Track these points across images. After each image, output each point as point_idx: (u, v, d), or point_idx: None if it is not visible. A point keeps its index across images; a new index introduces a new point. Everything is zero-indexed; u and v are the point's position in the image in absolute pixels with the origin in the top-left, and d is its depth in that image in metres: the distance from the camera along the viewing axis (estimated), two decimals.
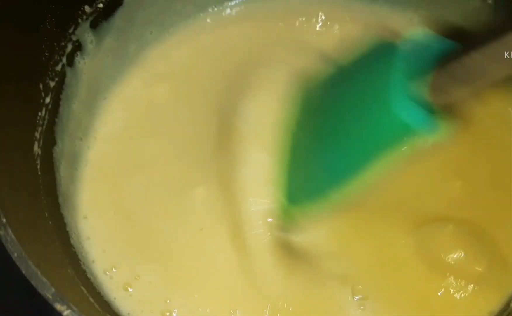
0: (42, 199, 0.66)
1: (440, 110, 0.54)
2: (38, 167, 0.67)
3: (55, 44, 0.70)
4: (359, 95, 0.61)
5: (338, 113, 0.63)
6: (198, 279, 0.68)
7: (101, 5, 0.75)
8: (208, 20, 0.85)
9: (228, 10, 0.86)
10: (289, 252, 0.68)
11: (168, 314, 0.67)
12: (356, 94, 0.62)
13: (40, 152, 0.67)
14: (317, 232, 0.69)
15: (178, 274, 0.69)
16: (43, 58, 0.69)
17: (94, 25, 0.75)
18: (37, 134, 0.67)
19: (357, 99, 0.61)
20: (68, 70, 0.73)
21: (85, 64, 0.76)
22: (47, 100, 0.70)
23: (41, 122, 0.68)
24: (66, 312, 0.51)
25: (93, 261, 0.69)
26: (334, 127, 0.64)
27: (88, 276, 0.67)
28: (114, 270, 0.69)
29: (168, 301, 0.67)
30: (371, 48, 0.62)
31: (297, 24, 0.84)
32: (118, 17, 0.78)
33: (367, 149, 0.59)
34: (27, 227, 0.58)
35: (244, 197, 0.69)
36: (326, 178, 0.64)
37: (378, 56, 0.60)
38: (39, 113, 0.68)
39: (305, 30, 0.84)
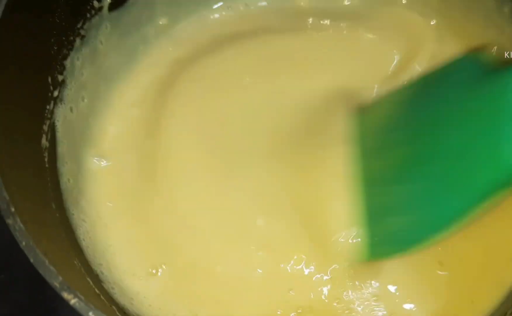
0: (49, 191, 0.67)
1: None
2: (46, 159, 0.67)
3: (63, 38, 0.70)
4: (454, 121, 0.53)
5: (427, 139, 0.55)
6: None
7: (109, 0, 0.75)
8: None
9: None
10: None
11: None
12: (449, 118, 0.54)
13: (48, 145, 0.68)
14: None
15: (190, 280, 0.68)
16: (52, 52, 0.69)
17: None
18: (45, 127, 0.68)
19: (451, 125, 0.53)
20: (76, 64, 0.73)
21: (92, 60, 0.76)
22: (55, 93, 0.70)
23: (49, 116, 0.69)
24: (73, 301, 0.51)
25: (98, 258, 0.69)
26: (423, 158, 0.55)
27: (94, 268, 0.67)
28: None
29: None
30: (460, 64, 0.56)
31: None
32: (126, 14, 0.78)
33: (470, 191, 0.51)
34: (35, 218, 0.58)
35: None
36: (418, 224, 0.57)
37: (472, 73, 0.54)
38: (48, 107, 0.69)
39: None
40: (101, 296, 0.62)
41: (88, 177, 0.73)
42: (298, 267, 0.65)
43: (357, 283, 0.65)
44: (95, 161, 0.74)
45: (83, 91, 0.74)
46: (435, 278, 0.66)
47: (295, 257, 0.65)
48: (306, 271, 0.65)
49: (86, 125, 0.75)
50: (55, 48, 0.69)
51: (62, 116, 0.71)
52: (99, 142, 0.75)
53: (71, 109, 0.73)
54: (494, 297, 0.65)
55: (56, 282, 0.52)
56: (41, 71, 0.68)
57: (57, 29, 0.69)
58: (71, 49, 0.72)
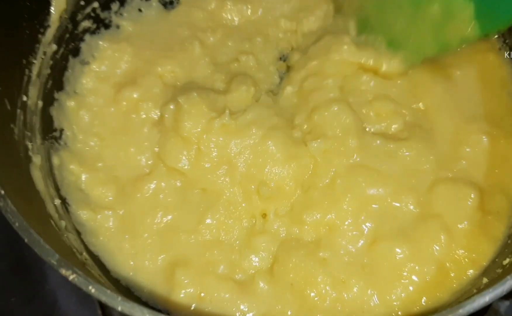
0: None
1: None
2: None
3: None
4: None
5: None
6: None
7: None
8: None
9: None
10: None
11: None
12: None
13: None
14: None
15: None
16: None
17: None
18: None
19: None
20: None
21: None
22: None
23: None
24: (71, 277, 0.50)
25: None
26: None
27: (86, 243, 0.66)
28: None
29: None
30: None
31: None
32: None
33: None
34: (23, 199, 0.57)
35: None
36: None
37: None
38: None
39: None
40: (96, 267, 0.62)
41: None
42: None
43: None
44: None
45: None
46: None
47: None
48: None
49: None
50: None
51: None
52: None
53: None
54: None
55: (53, 259, 0.51)
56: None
57: None
58: None
